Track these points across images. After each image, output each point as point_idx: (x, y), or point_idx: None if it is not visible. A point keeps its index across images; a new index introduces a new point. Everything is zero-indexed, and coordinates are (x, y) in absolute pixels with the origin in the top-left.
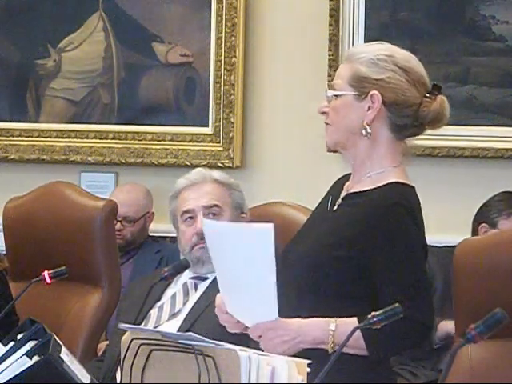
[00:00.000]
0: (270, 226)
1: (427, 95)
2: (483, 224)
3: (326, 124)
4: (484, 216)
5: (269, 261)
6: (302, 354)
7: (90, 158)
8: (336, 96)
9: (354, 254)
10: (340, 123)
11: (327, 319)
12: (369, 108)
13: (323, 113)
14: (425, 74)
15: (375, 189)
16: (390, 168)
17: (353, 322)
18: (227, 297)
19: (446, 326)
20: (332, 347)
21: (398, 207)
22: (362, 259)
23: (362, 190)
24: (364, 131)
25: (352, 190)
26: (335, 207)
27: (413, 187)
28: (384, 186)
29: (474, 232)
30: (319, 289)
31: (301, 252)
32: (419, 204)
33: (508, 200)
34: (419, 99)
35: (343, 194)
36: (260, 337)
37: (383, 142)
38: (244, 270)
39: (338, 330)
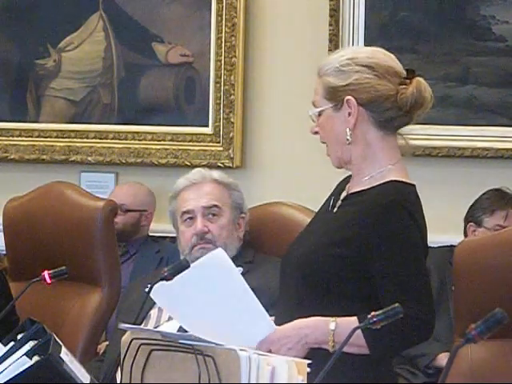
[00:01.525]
0: (220, 249)
1: (402, 82)
2: (470, 223)
3: (323, 143)
4: (471, 215)
5: (237, 279)
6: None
7: (90, 158)
8: (319, 114)
9: (352, 253)
10: (330, 138)
11: (326, 318)
12: (349, 114)
13: (315, 133)
14: (394, 64)
15: (373, 188)
16: (388, 166)
17: (353, 320)
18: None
19: (442, 363)
20: (332, 346)
21: (395, 205)
22: (361, 258)
23: (361, 189)
24: (348, 137)
25: (352, 191)
26: (335, 208)
27: (412, 185)
28: (382, 184)
29: (465, 232)
30: (319, 288)
31: (301, 253)
32: (419, 201)
33: (492, 197)
34: (394, 89)
35: (343, 194)
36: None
37: (375, 141)
38: (222, 302)
39: (337, 329)
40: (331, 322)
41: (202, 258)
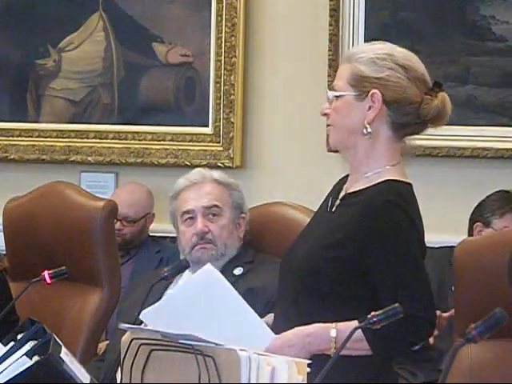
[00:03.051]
0: (208, 266)
1: (428, 92)
2: (477, 223)
3: (328, 125)
4: (478, 215)
5: (230, 292)
6: None
7: (90, 158)
8: (337, 97)
9: (350, 254)
10: (341, 124)
11: (327, 325)
12: (369, 107)
13: (325, 114)
14: (425, 72)
15: (369, 187)
16: (387, 167)
17: (354, 325)
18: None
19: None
20: (334, 353)
21: (390, 205)
22: (359, 259)
23: (358, 189)
24: (365, 130)
25: (350, 190)
26: (334, 208)
27: (409, 184)
28: (378, 184)
29: (470, 231)
30: (318, 289)
31: (300, 254)
32: (415, 200)
33: (502, 199)
34: (420, 97)
35: (342, 194)
36: None
37: (383, 141)
38: (217, 318)
39: (338, 336)
40: (332, 329)
41: (192, 277)
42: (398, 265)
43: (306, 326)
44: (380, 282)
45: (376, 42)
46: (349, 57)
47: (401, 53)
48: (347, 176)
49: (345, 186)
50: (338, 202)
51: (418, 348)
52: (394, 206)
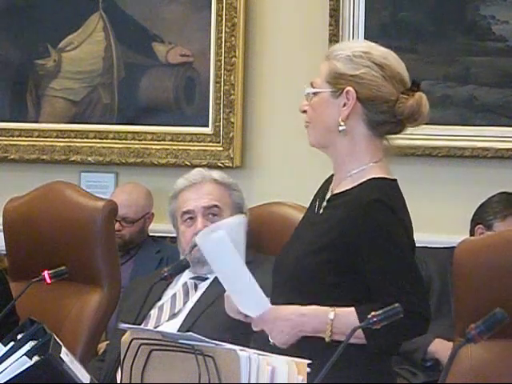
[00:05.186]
0: (222, 233)
1: (405, 92)
2: (479, 225)
3: (306, 122)
4: (480, 217)
5: (236, 261)
6: (301, 346)
7: (90, 158)
8: (314, 93)
9: (341, 256)
10: (317, 121)
11: (326, 308)
12: (344, 104)
13: (304, 111)
14: (403, 71)
15: (355, 187)
16: (370, 164)
17: (351, 311)
18: (232, 296)
19: (435, 351)
20: (329, 336)
21: (376, 204)
22: (349, 261)
23: (343, 189)
24: (340, 127)
25: (335, 191)
26: (321, 210)
27: (394, 180)
28: (362, 183)
29: (471, 232)
30: (311, 292)
31: (291, 257)
32: (401, 196)
33: (504, 202)
34: (395, 95)
35: (328, 195)
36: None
37: (361, 139)
38: (225, 274)
39: (336, 319)
40: (330, 312)
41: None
42: (388, 263)
43: (305, 307)
44: (372, 281)
45: (356, 40)
46: (328, 54)
47: (379, 51)
48: (332, 176)
49: (330, 187)
50: (324, 203)
51: (430, 365)
52: (379, 205)
